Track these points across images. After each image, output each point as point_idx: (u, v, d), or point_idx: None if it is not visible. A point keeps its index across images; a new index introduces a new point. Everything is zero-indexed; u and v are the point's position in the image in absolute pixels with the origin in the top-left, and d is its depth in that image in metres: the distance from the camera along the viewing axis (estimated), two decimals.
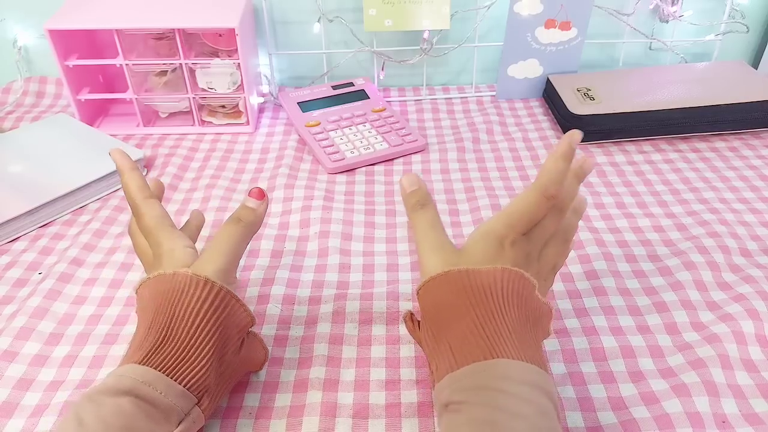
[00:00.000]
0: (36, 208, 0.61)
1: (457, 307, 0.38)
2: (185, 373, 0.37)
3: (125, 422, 0.33)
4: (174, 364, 0.37)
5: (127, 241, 0.59)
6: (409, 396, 0.44)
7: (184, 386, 0.37)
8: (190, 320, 0.38)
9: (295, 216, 0.63)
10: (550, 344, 0.48)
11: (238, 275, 0.55)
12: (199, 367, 0.37)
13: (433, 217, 0.43)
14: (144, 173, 0.70)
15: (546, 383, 0.35)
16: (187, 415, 0.37)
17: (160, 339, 0.37)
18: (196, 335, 0.38)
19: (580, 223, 0.61)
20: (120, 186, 0.67)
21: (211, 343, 0.38)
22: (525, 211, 0.39)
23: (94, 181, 0.65)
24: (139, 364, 0.36)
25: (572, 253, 0.57)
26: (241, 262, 0.57)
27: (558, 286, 0.54)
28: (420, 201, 0.43)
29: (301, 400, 0.44)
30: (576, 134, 0.38)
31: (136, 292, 0.42)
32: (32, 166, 0.67)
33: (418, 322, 0.43)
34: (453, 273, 0.38)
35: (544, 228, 0.40)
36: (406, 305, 0.51)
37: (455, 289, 0.38)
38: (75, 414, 0.34)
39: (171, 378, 0.36)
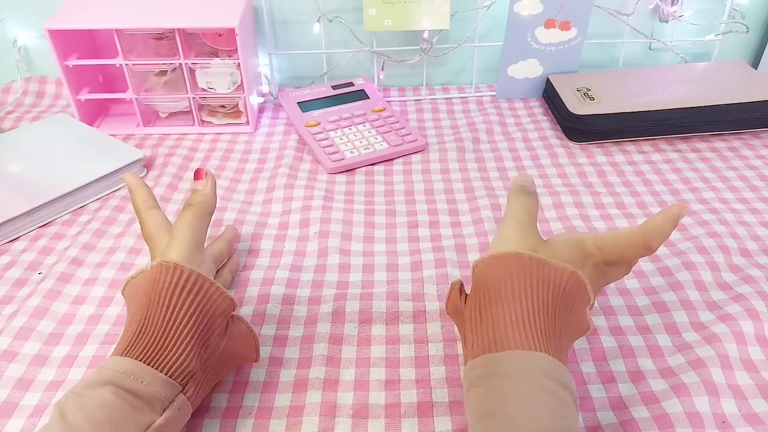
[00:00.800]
0: (36, 208, 0.61)
1: (515, 292, 0.38)
2: (165, 360, 0.37)
3: (108, 414, 0.34)
4: (153, 352, 0.37)
5: (126, 241, 0.59)
6: (409, 396, 0.44)
7: (166, 374, 0.37)
8: (164, 306, 0.39)
9: (295, 216, 0.63)
10: None
11: (238, 276, 0.55)
12: (179, 352, 0.38)
13: (533, 204, 0.44)
14: (143, 173, 0.70)
15: (567, 379, 0.36)
16: (171, 402, 0.37)
17: (139, 329, 0.38)
18: (171, 320, 0.38)
19: (581, 222, 0.61)
20: (119, 186, 0.68)
21: (188, 327, 0.39)
22: (622, 246, 0.41)
23: (93, 181, 0.65)
24: (121, 355, 0.37)
25: None
26: (241, 262, 0.57)
27: None
28: (527, 189, 0.44)
29: (301, 400, 0.44)
30: (687, 207, 0.42)
31: (123, 294, 0.43)
32: (32, 166, 0.67)
33: (466, 295, 0.42)
34: (525, 257, 0.39)
35: (618, 271, 0.43)
36: (407, 305, 0.51)
37: (521, 273, 0.38)
38: (58, 409, 0.34)
39: (152, 366, 0.37)
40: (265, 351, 0.48)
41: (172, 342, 0.38)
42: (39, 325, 0.50)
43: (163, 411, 0.36)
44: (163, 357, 0.37)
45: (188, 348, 0.38)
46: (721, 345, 0.46)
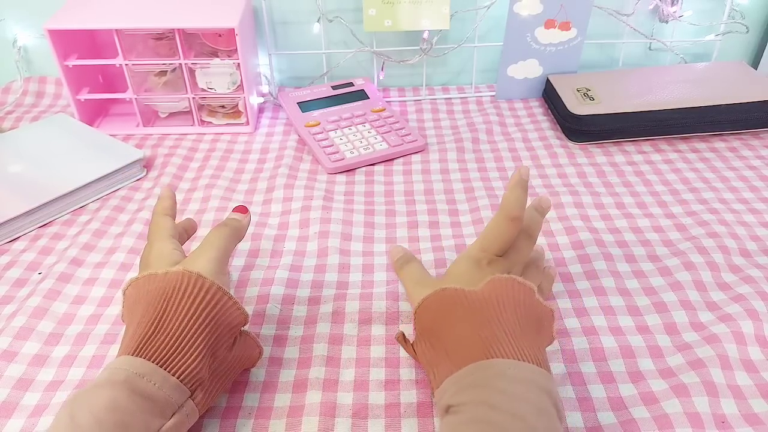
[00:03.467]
0: (35, 208, 0.61)
1: (454, 317, 0.40)
2: (178, 365, 0.37)
3: (119, 417, 0.33)
4: (166, 355, 0.37)
5: (126, 241, 0.59)
6: (409, 396, 0.44)
7: (178, 378, 0.37)
8: (182, 314, 0.38)
9: (295, 216, 0.63)
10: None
11: (237, 276, 0.55)
12: (191, 359, 0.38)
13: (417, 266, 0.50)
14: (143, 173, 0.70)
15: (546, 382, 0.36)
16: (181, 407, 0.37)
17: (152, 330, 0.38)
18: (187, 328, 0.38)
19: (581, 222, 0.61)
20: (119, 186, 0.68)
21: (202, 337, 0.39)
22: (494, 234, 0.44)
23: (93, 181, 0.65)
24: (132, 355, 0.37)
25: (572, 253, 0.57)
26: (241, 262, 0.57)
27: (558, 286, 0.54)
28: (404, 259, 0.51)
29: (301, 400, 0.44)
30: (525, 168, 0.44)
31: (124, 293, 0.42)
32: (32, 166, 0.67)
33: (412, 344, 0.45)
34: (449, 290, 0.42)
35: (519, 251, 0.45)
36: (406, 305, 0.51)
37: (451, 302, 0.41)
38: (68, 409, 0.34)
39: (164, 369, 0.37)
40: (265, 351, 0.48)
41: (186, 348, 0.38)
42: (39, 325, 0.50)
43: (172, 415, 0.36)
44: (176, 361, 0.37)
45: (200, 356, 0.38)
46: (720, 345, 0.46)
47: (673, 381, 0.44)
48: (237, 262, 0.57)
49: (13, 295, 0.54)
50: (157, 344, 0.37)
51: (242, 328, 0.43)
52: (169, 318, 0.38)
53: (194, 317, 0.39)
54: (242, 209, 0.48)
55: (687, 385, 0.43)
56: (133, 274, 0.56)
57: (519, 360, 0.36)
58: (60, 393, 0.45)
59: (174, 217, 0.49)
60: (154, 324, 0.38)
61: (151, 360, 0.37)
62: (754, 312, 0.49)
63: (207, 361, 0.39)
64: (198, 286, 0.40)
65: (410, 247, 0.59)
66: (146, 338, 0.38)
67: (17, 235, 0.61)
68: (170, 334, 0.38)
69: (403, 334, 0.46)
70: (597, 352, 0.47)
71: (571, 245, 0.59)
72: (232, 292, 0.49)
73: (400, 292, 0.53)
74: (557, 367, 0.46)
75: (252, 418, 0.43)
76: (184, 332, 0.38)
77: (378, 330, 0.50)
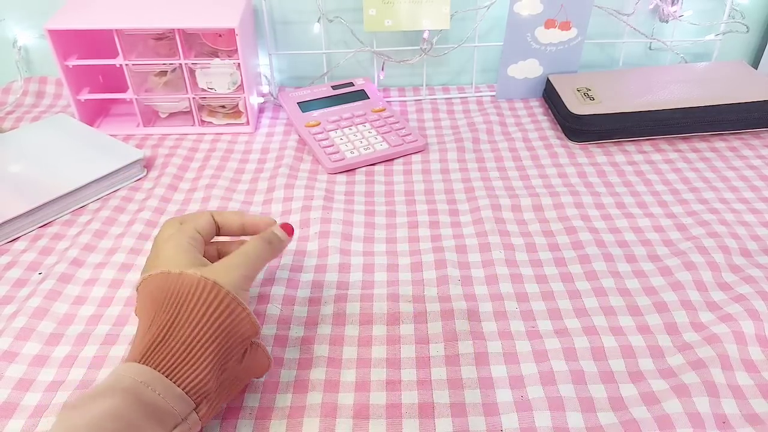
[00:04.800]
0: (36, 208, 0.61)
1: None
2: (184, 376, 0.36)
3: (119, 425, 0.32)
4: (173, 365, 0.36)
5: (126, 241, 0.59)
6: (410, 397, 0.44)
7: (183, 389, 0.36)
8: (194, 322, 0.38)
9: (295, 216, 0.63)
10: (551, 343, 0.48)
11: None
12: (199, 370, 0.37)
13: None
14: (144, 173, 0.70)
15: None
16: (184, 420, 0.36)
17: (161, 337, 0.37)
18: (198, 337, 0.37)
19: (581, 223, 0.61)
20: (119, 186, 0.68)
21: (212, 348, 0.38)
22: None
23: (93, 181, 0.65)
24: (139, 362, 0.36)
25: (572, 253, 0.58)
26: None
27: (558, 286, 0.54)
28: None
29: (302, 400, 0.44)
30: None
31: (137, 290, 0.42)
32: (32, 166, 0.67)
33: None
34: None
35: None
36: (407, 306, 0.52)
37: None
38: (68, 415, 0.33)
39: (170, 379, 0.36)
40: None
41: (195, 359, 0.37)
42: (39, 325, 0.50)
43: (175, 427, 0.35)
44: (183, 372, 0.36)
45: (209, 367, 0.37)
46: (721, 345, 0.46)
47: (674, 381, 0.44)
48: None
49: (13, 295, 0.54)
50: (165, 352, 0.37)
51: (254, 341, 0.42)
52: (180, 325, 0.38)
53: (206, 327, 0.38)
54: (289, 230, 0.46)
55: (687, 385, 0.43)
56: (134, 274, 0.56)
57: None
58: (60, 393, 0.45)
59: (204, 242, 0.46)
60: (165, 330, 0.37)
61: (158, 369, 0.36)
62: (754, 312, 0.49)
63: (215, 374, 0.38)
64: (213, 294, 0.39)
65: (410, 248, 0.59)
66: (155, 345, 0.37)
67: (17, 235, 0.61)
68: (179, 342, 0.37)
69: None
70: (597, 352, 0.47)
71: (572, 245, 0.59)
72: (252, 308, 0.47)
73: (401, 293, 0.53)
74: (558, 365, 0.46)
75: (253, 418, 0.43)
76: (194, 342, 0.37)
77: (379, 330, 0.50)
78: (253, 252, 0.43)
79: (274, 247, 0.45)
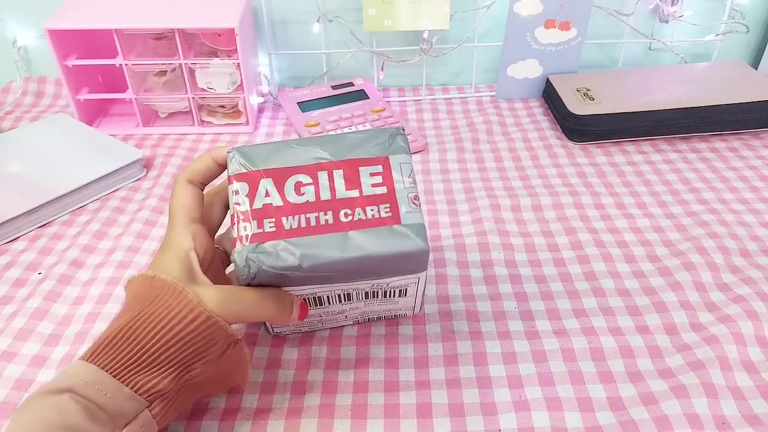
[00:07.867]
0: (35, 208, 0.61)
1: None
2: (135, 377, 0.35)
3: (65, 423, 0.32)
4: (123, 365, 0.35)
5: (126, 241, 0.59)
6: (408, 397, 0.44)
7: (132, 388, 0.35)
8: (152, 323, 0.36)
9: None
10: (550, 343, 0.48)
11: None
12: (153, 373, 0.36)
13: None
14: (143, 173, 0.70)
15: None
16: (135, 418, 0.35)
17: (114, 336, 0.36)
18: (154, 340, 0.36)
19: (580, 223, 0.61)
20: (119, 186, 0.68)
21: (172, 350, 0.36)
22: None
23: (93, 181, 0.65)
24: (88, 360, 0.35)
25: (572, 253, 0.57)
26: None
27: (557, 286, 0.54)
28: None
29: (300, 401, 0.44)
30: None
31: (125, 288, 0.41)
32: (31, 166, 0.67)
33: None
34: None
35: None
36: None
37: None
38: (18, 416, 0.33)
39: (118, 379, 0.35)
40: (263, 352, 0.48)
41: (148, 361, 0.36)
42: (39, 326, 0.50)
43: (125, 426, 0.34)
44: (133, 373, 0.35)
45: (166, 371, 0.36)
46: (720, 346, 0.46)
47: (673, 381, 0.44)
48: None
49: (12, 295, 0.54)
50: (115, 353, 0.35)
51: (238, 344, 0.40)
52: (139, 325, 0.36)
53: (164, 329, 0.36)
54: (303, 312, 0.43)
55: (686, 386, 0.43)
56: (133, 273, 0.56)
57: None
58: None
59: (203, 187, 0.43)
60: (122, 330, 0.36)
61: (106, 368, 0.35)
62: (753, 313, 0.49)
63: (176, 375, 0.37)
64: (189, 309, 0.37)
65: None
66: (105, 344, 0.36)
67: (17, 235, 0.61)
68: (134, 343, 0.36)
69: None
70: (596, 352, 0.47)
71: (571, 245, 0.59)
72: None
73: None
74: (556, 366, 0.46)
75: (251, 419, 0.43)
76: (149, 344, 0.36)
77: (377, 330, 0.50)
78: (259, 297, 0.39)
79: (281, 311, 0.41)
